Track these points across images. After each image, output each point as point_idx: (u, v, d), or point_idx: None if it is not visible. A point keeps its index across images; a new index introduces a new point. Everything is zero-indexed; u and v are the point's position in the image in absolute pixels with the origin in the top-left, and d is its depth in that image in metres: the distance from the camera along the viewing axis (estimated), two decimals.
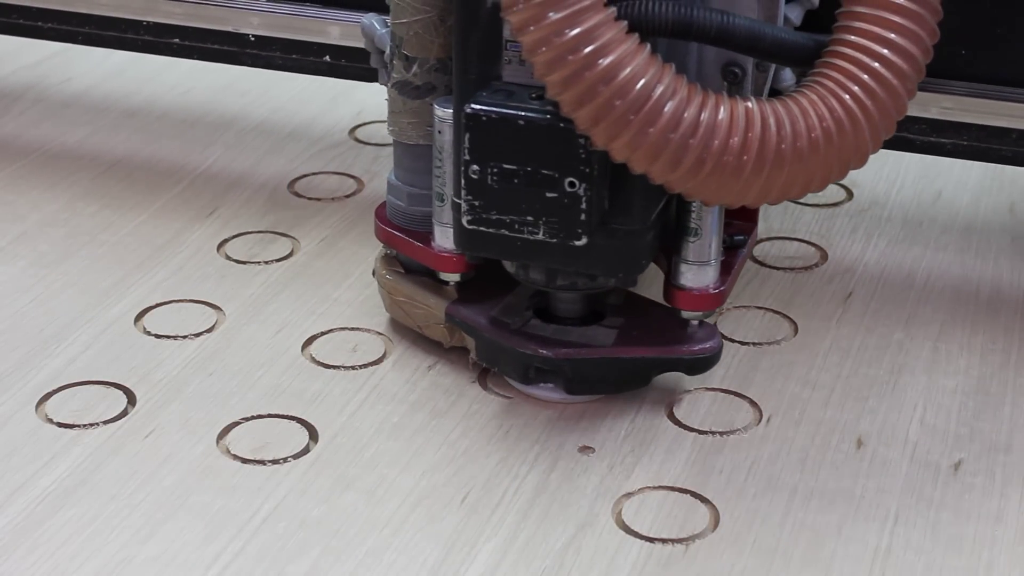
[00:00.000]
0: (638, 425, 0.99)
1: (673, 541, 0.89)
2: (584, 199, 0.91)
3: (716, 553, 0.89)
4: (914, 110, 1.12)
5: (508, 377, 1.01)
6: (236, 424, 0.98)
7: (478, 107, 0.91)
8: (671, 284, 0.99)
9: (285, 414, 1.00)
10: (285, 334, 1.08)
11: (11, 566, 0.86)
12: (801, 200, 1.25)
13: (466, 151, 0.92)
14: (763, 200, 0.88)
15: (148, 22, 1.28)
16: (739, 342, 1.07)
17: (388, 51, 1.01)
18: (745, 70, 0.94)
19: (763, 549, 0.89)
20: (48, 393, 1.01)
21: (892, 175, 1.28)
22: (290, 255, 1.17)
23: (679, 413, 1.00)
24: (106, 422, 0.98)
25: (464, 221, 0.93)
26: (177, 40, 1.28)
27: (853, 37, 0.87)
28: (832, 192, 1.26)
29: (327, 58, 1.24)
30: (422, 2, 0.98)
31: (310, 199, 1.25)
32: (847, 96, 0.87)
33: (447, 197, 0.98)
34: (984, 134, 1.12)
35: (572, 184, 0.90)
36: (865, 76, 0.87)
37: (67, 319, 1.09)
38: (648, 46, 0.86)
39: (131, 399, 1.01)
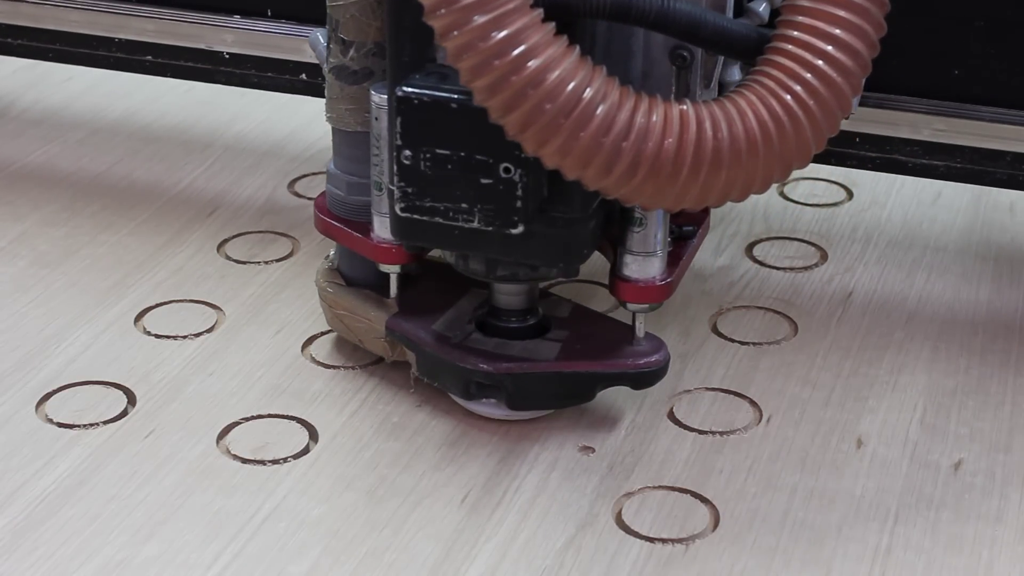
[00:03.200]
0: (638, 425, 0.99)
1: (673, 541, 0.89)
2: (520, 185, 0.87)
3: (716, 553, 0.89)
4: (906, 132, 1.11)
5: (449, 392, 0.99)
6: (236, 424, 0.98)
7: (410, 90, 0.88)
8: (615, 275, 0.95)
9: (285, 414, 1.00)
10: (285, 334, 1.08)
11: (11, 566, 0.86)
12: (801, 200, 1.25)
13: (398, 136, 0.88)
14: (703, 203, 0.85)
15: (120, 39, 1.26)
16: (739, 342, 1.07)
17: (321, 46, 0.97)
18: (694, 54, 0.90)
19: (763, 549, 0.89)
20: (48, 393, 1.01)
21: (892, 175, 1.28)
22: (290, 255, 1.17)
23: (679, 413, 1.00)
24: (106, 422, 0.98)
25: (397, 209, 0.90)
26: (150, 58, 1.26)
27: (795, 32, 0.84)
28: (832, 192, 1.26)
29: (303, 76, 1.23)
30: None
31: (310, 199, 1.25)
32: (788, 96, 0.84)
33: (385, 185, 0.95)
34: (978, 156, 1.10)
35: (507, 170, 0.87)
36: (808, 74, 0.84)
37: (67, 319, 1.08)
38: (577, 48, 0.82)
39: (131, 399, 1.01)
